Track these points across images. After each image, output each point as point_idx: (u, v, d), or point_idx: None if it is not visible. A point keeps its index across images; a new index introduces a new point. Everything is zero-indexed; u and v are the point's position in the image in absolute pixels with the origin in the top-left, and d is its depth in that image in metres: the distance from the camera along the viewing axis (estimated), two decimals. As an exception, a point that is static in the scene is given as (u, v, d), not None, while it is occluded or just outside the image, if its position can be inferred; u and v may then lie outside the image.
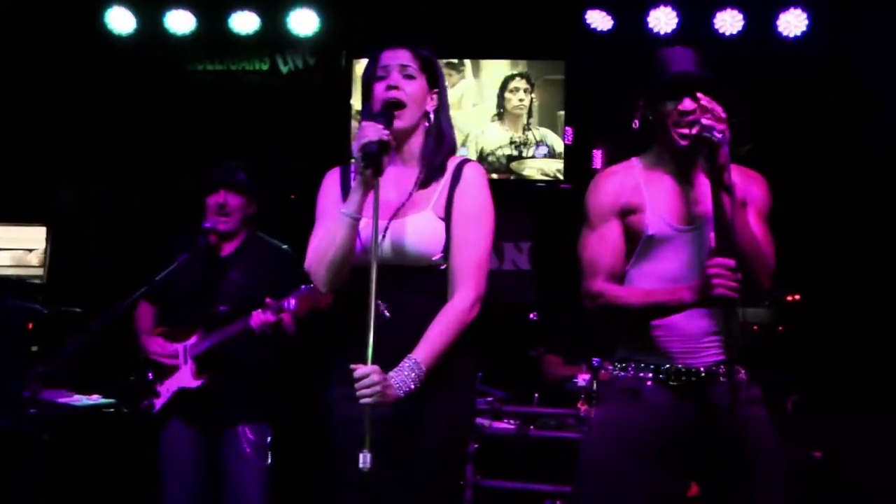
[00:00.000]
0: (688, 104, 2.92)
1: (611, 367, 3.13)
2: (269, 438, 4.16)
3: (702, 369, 2.96)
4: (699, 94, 2.87)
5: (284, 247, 4.31)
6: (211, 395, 4.09)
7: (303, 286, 3.77)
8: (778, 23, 6.41)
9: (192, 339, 4.13)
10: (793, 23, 6.40)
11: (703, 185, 2.98)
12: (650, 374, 3.01)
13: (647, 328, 3.02)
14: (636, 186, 3.07)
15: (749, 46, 6.37)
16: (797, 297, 6.48)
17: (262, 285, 4.03)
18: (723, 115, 2.83)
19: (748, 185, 3.05)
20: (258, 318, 3.86)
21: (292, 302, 3.79)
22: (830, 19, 6.38)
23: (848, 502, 5.14)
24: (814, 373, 5.81)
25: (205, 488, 4.14)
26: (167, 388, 4.14)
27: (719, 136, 2.79)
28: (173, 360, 4.13)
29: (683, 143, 2.93)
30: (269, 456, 4.16)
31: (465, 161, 2.99)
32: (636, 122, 3.09)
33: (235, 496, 4.11)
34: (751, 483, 2.88)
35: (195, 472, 4.13)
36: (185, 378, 4.11)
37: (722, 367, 2.97)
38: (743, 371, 3.02)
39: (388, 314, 2.81)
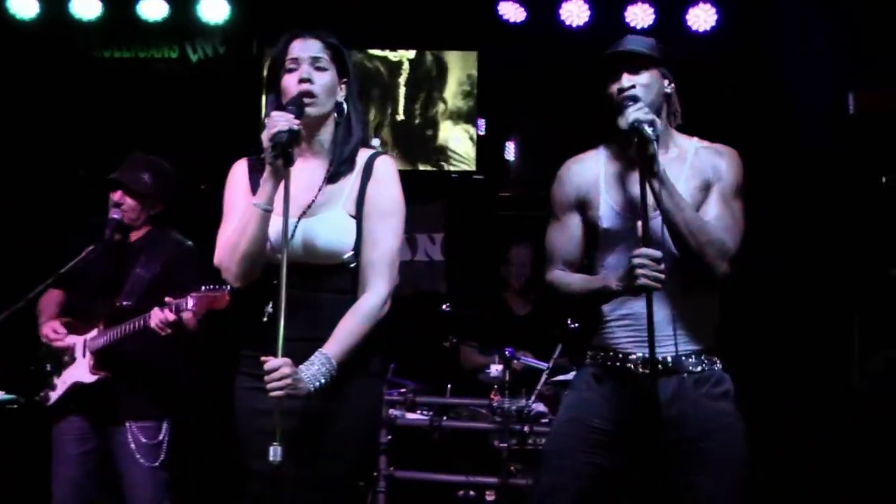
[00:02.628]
0: (625, 80, 2.95)
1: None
2: (162, 436, 4.10)
3: (669, 358, 2.95)
4: (645, 74, 2.94)
5: (188, 242, 4.25)
6: (104, 390, 4.03)
7: (203, 286, 3.72)
8: (687, 17, 6.50)
9: (92, 333, 4.05)
10: (702, 17, 6.48)
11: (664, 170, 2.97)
12: (617, 364, 3.03)
13: (614, 318, 3.04)
14: (595, 177, 3.09)
15: (659, 40, 6.43)
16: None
17: (165, 281, 4.00)
18: (663, 87, 2.96)
19: (715, 162, 3.05)
20: (157, 316, 3.79)
21: (190, 301, 3.72)
22: (739, 14, 6.49)
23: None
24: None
25: (91, 483, 4.09)
26: (63, 381, 4.07)
27: (650, 129, 2.81)
28: (70, 351, 4.06)
29: (623, 124, 2.91)
30: (163, 453, 4.10)
31: (376, 154, 2.97)
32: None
33: (128, 496, 4.07)
34: (699, 481, 2.91)
35: (82, 466, 4.07)
36: (82, 372, 4.04)
37: (693, 356, 2.98)
38: (717, 362, 3.03)
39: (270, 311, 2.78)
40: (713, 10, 6.45)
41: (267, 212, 2.74)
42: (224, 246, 2.83)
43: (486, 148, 6.95)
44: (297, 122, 2.73)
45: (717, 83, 6.42)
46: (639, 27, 6.40)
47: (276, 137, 2.67)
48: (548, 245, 3.17)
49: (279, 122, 2.70)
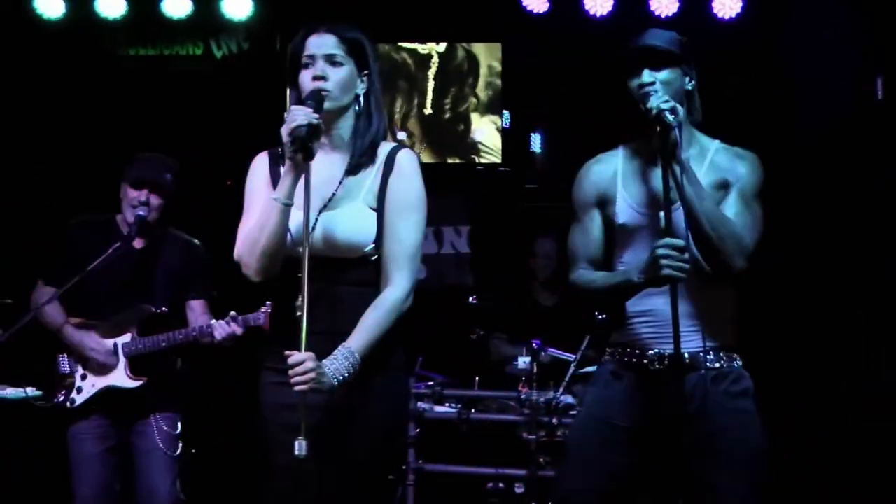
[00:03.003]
0: (646, 76, 2.94)
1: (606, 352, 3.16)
2: (180, 427, 4.16)
3: (686, 355, 2.91)
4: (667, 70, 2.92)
5: (196, 241, 4.29)
6: (139, 393, 4.07)
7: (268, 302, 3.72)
8: (713, 5, 6.45)
9: (125, 338, 4.07)
10: (727, 4, 6.44)
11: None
12: (634, 360, 3.02)
13: (633, 314, 3.04)
14: (613, 176, 3.10)
15: (685, 28, 6.38)
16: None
17: (184, 283, 4.10)
18: (684, 85, 2.94)
19: (734, 164, 3.04)
20: (224, 330, 3.89)
21: (261, 317, 3.81)
22: (764, 1, 6.44)
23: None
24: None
25: (114, 480, 4.11)
26: (92, 384, 4.08)
27: (672, 117, 2.81)
28: (108, 358, 4.07)
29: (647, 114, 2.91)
30: (180, 446, 4.15)
31: (398, 147, 2.96)
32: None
33: (147, 487, 4.09)
34: (718, 477, 2.90)
35: (107, 463, 4.08)
36: (118, 377, 4.07)
37: (711, 353, 2.97)
38: (737, 359, 3.02)
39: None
40: (738, -3, 6.40)
41: (287, 206, 2.74)
42: (244, 240, 2.83)
43: (512, 140, 6.93)
44: (317, 116, 2.72)
45: (741, 71, 6.38)
46: (663, 16, 6.36)
47: (296, 132, 2.67)
48: (570, 246, 3.18)
49: (298, 116, 2.69)
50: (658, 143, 2.86)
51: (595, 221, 3.12)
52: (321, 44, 2.87)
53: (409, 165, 2.91)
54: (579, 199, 3.16)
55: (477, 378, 5.27)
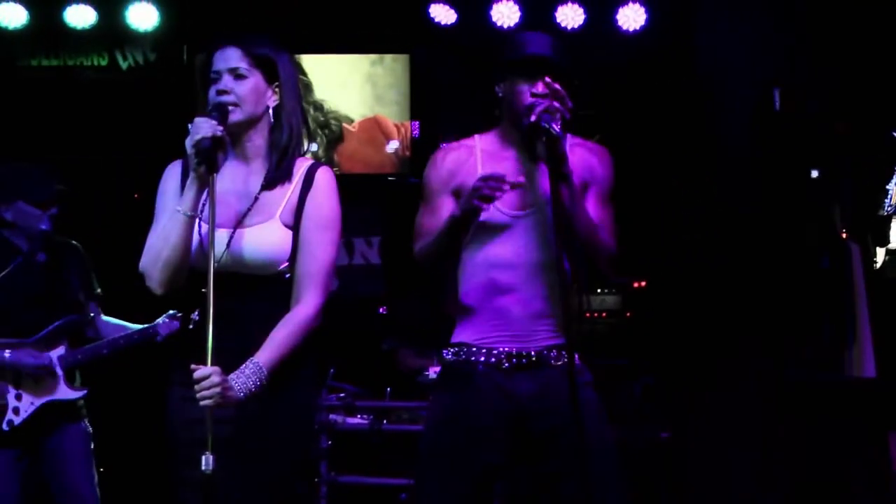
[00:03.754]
0: (541, 87, 2.96)
1: (445, 353, 3.16)
2: (90, 441, 4.15)
3: (532, 353, 3.01)
4: (550, 80, 2.92)
5: (75, 242, 4.27)
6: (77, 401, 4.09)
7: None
8: (618, 17, 6.56)
9: (59, 350, 4.04)
10: (632, 17, 6.55)
11: (541, 169, 3.02)
12: (482, 359, 3.05)
13: (481, 313, 3.07)
14: (472, 169, 3.09)
15: (590, 40, 6.50)
16: (643, 283, 6.65)
17: (83, 286, 4.12)
18: (570, 104, 2.90)
19: (591, 163, 3.11)
20: (167, 328, 3.93)
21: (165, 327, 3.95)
22: (668, 13, 6.56)
23: (696, 479, 5.31)
24: (662, 357, 5.96)
25: (24, 486, 4.04)
26: (31, 402, 4.00)
27: (558, 128, 2.85)
28: (46, 373, 4.01)
29: (527, 122, 2.93)
30: (92, 460, 4.14)
31: (317, 165, 2.95)
32: (496, 107, 3.13)
33: (70, 489, 4.06)
34: (579, 468, 2.87)
35: (17, 472, 4.02)
36: (61, 390, 4.03)
37: (554, 350, 3.03)
38: (576, 355, 3.03)
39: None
40: (643, 10, 6.52)
41: (190, 218, 2.72)
42: (147, 252, 2.80)
43: (421, 151, 6.95)
44: (221, 128, 2.70)
45: (645, 83, 6.50)
46: (569, 27, 6.44)
47: (199, 144, 2.65)
48: (416, 227, 3.20)
49: (202, 128, 2.68)
50: (545, 153, 2.90)
51: (445, 206, 3.10)
52: (225, 57, 2.86)
53: (326, 184, 2.91)
54: (433, 184, 3.15)
55: (388, 389, 5.28)
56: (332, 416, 4.97)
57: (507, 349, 3.03)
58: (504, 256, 3.04)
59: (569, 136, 3.11)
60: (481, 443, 3.00)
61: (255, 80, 2.87)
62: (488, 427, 3.01)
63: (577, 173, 3.00)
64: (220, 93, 2.82)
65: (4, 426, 3.97)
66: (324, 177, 2.92)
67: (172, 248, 2.73)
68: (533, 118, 2.88)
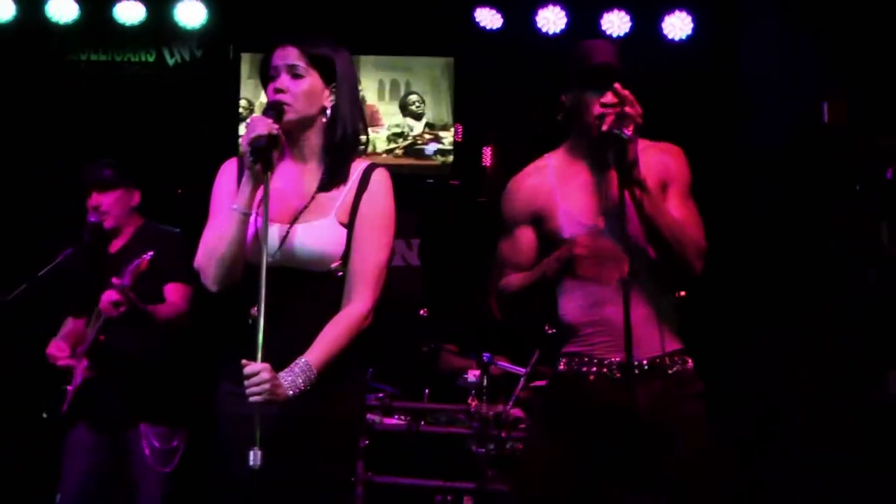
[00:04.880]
0: (609, 97, 2.93)
1: (557, 362, 3.13)
2: (175, 442, 4.10)
3: (644, 361, 2.95)
4: (619, 86, 2.88)
5: (175, 230, 4.25)
6: (103, 391, 4.02)
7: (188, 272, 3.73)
8: (663, 25, 6.55)
9: (89, 336, 4.05)
10: (678, 25, 6.54)
11: (612, 178, 2.99)
12: (594, 369, 3.02)
13: (586, 324, 3.04)
14: (549, 191, 3.08)
15: (636, 48, 6.48)
16: (682, 294, 6.60)
17: (158, 273, 3.97)
18: (640, 109, 2.86)
19: (666, 162, 3.08)
20: (105, 297, 3.81)
21: (126, 276, 3.77)
22: (715, 22, 6.54)
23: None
24: (702, 367, 5.93)
25: (99, 495, 4.06)
26: (70, 390, 4.06)
27: (628, 133, 2.82)
28: (69, 359, 4.04)
29: (598, 134, 2.91)
30: (175, 462, 4.09)
31: (374, 166, 2.96)
32: (559, 113, 3.10)
33: (136, 502, 4.05)
34: (682, 482, 2.91)
35: (89, 479, 4.05)
36: (78, 376, 4.04)
37: (667, 358, 3.00)
38: (689, 361, 3.05)
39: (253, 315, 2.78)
40: (689, 19, 6.51)
41: (245, 216, 2.74)
42: (203, 249, 2.82)
43: (463, 154, 6.96)
44: (276, 126, 2.72)
45: (691, 91, 6.47)
46: (615, 35, 6.45)
47: (255, 142, 2.67)
48: (498, 257, 3.19)
49: (258, 126, 2.69)
50: (614, 161, 2.88)
51: (525, 236, 3.12)
52: (284, 56, 2.88)
53: (382, 185, 2.93)
54: (510, 215, 3.15)
55: (427, 390, 5.28)
56: (369, 416, 4.98)
57: (618, 359, 2.98)
58: (593, 270, 2.97)
59: (639, 139, 3.07)
60: (589, 453, 2.97)
61: (311, 79, 2.88)
62: (597, 437, 2.97)
63: (652, 174, 2.96)
64: (277, 91, 2.84)
65: (60, 413, 4.06)
66: (380, 178, 2.94)
67: (228, 246, 2.75)
68: (604, 128, 2.86)
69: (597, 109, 2.94)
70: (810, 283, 5.92)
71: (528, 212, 3.12)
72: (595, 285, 3.00)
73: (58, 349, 4.06)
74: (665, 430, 2.92)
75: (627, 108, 2.84)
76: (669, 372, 3.00)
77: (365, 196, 2.89)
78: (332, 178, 2.89)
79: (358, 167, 2.94)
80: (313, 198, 2.86)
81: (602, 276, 2.97)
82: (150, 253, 3.75)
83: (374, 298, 2.84)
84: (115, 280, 3.76)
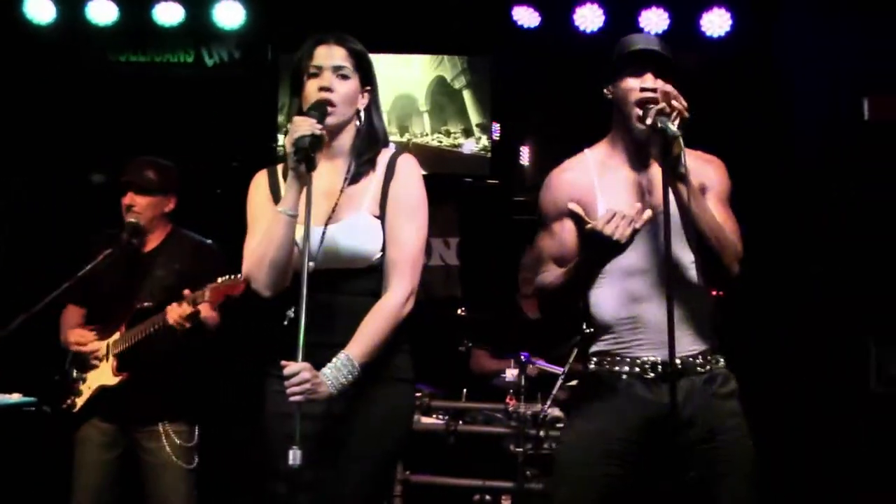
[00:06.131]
0: (649, 80, 2.92)
1: (588, 361, 3.12)
2: (196, 439, 4.11)
3: (678, 360, 2.89)
4: (661, 82, 2.86)
5: (208, 241, 4.25)
6: (131, 392, 4.02)
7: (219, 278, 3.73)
8: (701, 22, 6.51)
9: (115, 336, 4.06)
10: (716, 22, 6.50)
11: (654, 169, 2.98)
12: (626, 368, 3.00)
13: (619, 321, 3.02)
14: (589, 184, 3.05)
15: (674, 45, 6.42)
16: (721, 293, 6.56)
17: (185, 280, 3.94)
18: (685, 102, 2.80)
19: (705, 169, 3.05)
20: (174, 311, 3.79)
21: (207, 293, 3.73)
22: (754, 18, 6.48)
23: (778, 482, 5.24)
24: (739, 365, 5.89)
25: (112, 491, 4.09)
26: (88, 386, 4.08)
27: (675, 127, 2.76)
28: (95, 356, 4.06)
29: (642, 124, 2.89)
30: (196, 458, 4.10)
31: (398, 153, 2.96)
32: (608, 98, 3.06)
33: (159, 500, 4.06)
34: (719, 480, 2.89)
35: (105, 474, 4.07)
36: (106, 376, 4.04)
37: (700, 357, 2.97)
38: (721, 361, 3.03)
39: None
40: (728, 15, 6.46)
41: (292, 217, 2.74)
42: (251, 256, 2.83)
43: (501, 153, 6.94)
44: (320, 127, 2.72)
45: (730, 88, 6.42)
46: (653, 32, 6.40)
47: (299, 142, 2.67)
48: (538, 252, 3.14)
49: (301, 127, 2.70)
50: (660, 155, 2.83)
51: (567, 229, 3.06)
52: (331, 55, 2.88)
53: (409, 171, 2.93)
54: (550, 209, 3.09)
55: (465, 390, 5.26)
56: (407, 416, 4.97)
57: (651, 358, 2.97)
58: (634, 265, 2.96)
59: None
60: (620, 454, 2.95)
61: (355, 82, 2.90)
62: (629, 438, 2.95)
63: (695, 178, 2.91)
64: (323, 90, 2.84)
65: (72, 408, 4.10)
66: (406, 164, 2.93)
67: (277, 249, 2.75)
68: (649, 121, 2.82)
69: (637, 94, 2.92)
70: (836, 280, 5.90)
71: (568, 206, 3.06)
72: (631, 282, 2.99)
73: (81, 335, 4.08)
74: (700, 428, 2.90)
75: (673, 102, 2.79)
76: (702, 370, 2.97)
77: (393, 184, 2.89)
78: (359, 170, 2.89)
79: (384, 156, 2.94)
80: (342, 192, 2.86)
81: (640, 268, 2.96)
82: (244, 281, 3.74)
83: (412, 285, 2.84)
84: (187, 293, 3.77)
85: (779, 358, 5.88)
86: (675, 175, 2.81)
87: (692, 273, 2.97)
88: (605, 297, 3.04)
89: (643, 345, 2.98)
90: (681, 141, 2.78)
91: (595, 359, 3.09)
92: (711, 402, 2.94)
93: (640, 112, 2.90)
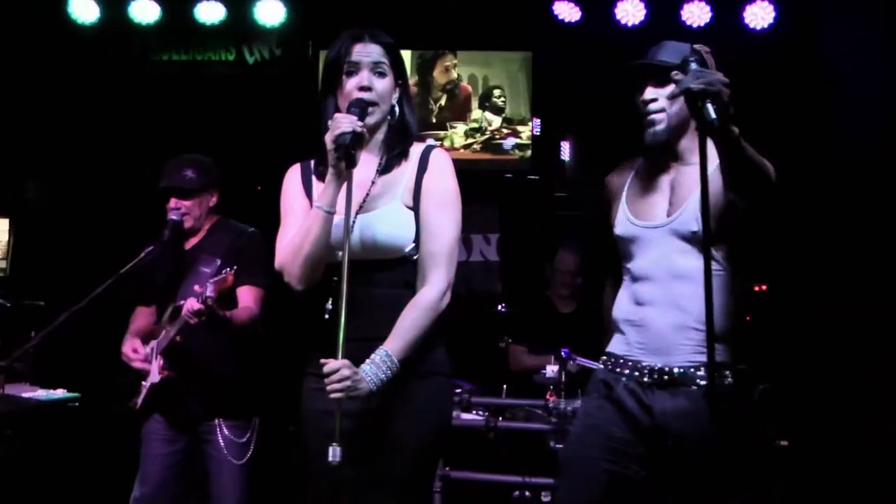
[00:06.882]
0: (648, 93, 2.96)
1: (598, 361, 3.17)
2: (249, 434, 4.14)
3: (675, 369, 2.91)
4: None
5: (251, 229, 4.25)
6: (181, 390, 4.07)
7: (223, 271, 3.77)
8: (745, 15, 6.45)
9: (161, 335, 4.10)
10: (759, 14, 6.44)
11: (683, 176, 2.98)
12: (626, 371, 3.02)
13: (625, 322, 3.05)
14: (621, 186, 3.13)
15: (717, 38, 6.39)
16: (764, 287, 6.51)
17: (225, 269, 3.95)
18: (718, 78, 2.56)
19: None
20: (186, 306, 3.81)
21: (209, 287, 3.74)
22: (796, 11, 6.42)
23: (814, 490, 5.19)
24: (782, 362, 5.84)
25: (174, 483, 4.13)
26: (144, 386, 4.13)
27: (711, 110, 2.48)
28: (144, 360, 4.10)
29: (647, 134, 2.96)
30: (249, 453, 4.13)
31: (431, 147, 2.96)
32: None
33: (215, 494, 4.10)
34: (713, 489, 2.84)
35: (167, 466, 4.12)
36: (154, 374, 4.09)
37: (702, 368, 2.90)
38: (728, 377, 2.93)
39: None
40: (771, 8, 6.40)
41: (330, 213, 2.74)
42: (286, 249, 2.82)
43: (541, 148, 6.92)
44: (361, 124, 2.72)
45: (774, 81, 6.35)
46: (695, 26, 6.36)
47: (340, 139, 2.67)
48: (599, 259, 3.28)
49: (342, 124, 2.70)
50: (697, 119, 2.54)
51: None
52: (368, 51, 2.88)
53: (442, 164, 2.92)
54: (601, 212, 3.22)
55: (505, 386, 5.26)
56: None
57: (649, 363, 2.97)
58: (641, 268, 3.01)
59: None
60: (618, 453, 2.97)
61: (391, 78, 2.90)
62: (624, 438, 2.97)
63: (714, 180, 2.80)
64: (363, 89, 2.84)
65: (135, 406, 4.15)
66: (439, 157, 2.93)
67: (312, 244, 2.75)
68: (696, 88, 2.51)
69: (642, 107, 2.99)
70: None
71: (607, 204, 3.19)
72: (638, 286, 3.01)
73: (132, 350, 4.12)
74: (693, 439, 2.85)
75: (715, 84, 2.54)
76: (699, 383, 2.90)
77: (426, 176, 2.88)
78: (391, 161, 2.90)
79: (416, 149, 2.94)
80: (373, 183, 2.86)
81: (646, 274, 2.98)
82: (234, 267, 3.77)
83: (449, 278, 2.82)
84: (197, 288, 3.78)
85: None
86: (722, 133, 2.61)
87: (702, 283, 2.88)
88: (620, 298, 3.11)
89: (643, 349, 3.00)
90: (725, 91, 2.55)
91: (603, 357, 3.14)
92: (701, 419, 2.76)
93: (646, 122, 2.98)
